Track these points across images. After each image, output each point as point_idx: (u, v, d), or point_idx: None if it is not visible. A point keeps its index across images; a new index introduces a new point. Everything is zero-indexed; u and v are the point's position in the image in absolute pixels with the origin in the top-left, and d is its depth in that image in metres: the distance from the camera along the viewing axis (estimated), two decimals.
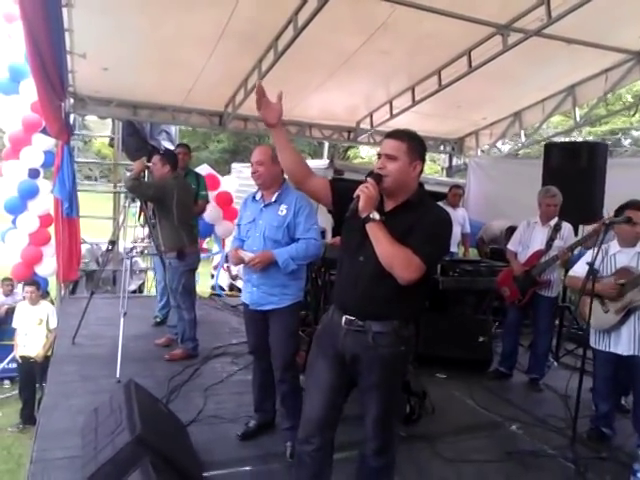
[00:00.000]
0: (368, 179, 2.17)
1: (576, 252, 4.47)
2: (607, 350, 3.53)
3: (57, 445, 3.09)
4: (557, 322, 5.23)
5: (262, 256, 3.01)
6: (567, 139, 15.93)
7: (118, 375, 4.01)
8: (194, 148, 27.98)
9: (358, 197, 2.14)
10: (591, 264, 3.34)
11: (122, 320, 4.26)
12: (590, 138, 16.98)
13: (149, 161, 4.76)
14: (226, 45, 5.17)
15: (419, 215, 2.20)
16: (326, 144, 11.18)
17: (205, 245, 8.66)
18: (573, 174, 4.40)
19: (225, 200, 7.64)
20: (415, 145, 2.24)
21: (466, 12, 4.74)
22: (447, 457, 3.24)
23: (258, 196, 3.19)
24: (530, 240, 4.62)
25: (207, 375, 4.36)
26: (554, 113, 7.19)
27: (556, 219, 4.55)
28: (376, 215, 2.14)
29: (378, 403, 2.28)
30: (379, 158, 2.25)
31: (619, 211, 3.60)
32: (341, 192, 2.35)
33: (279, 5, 4.55)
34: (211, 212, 7.15)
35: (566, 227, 4.53)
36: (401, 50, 5.50)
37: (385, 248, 2.12)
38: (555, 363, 5.09)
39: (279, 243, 3.05)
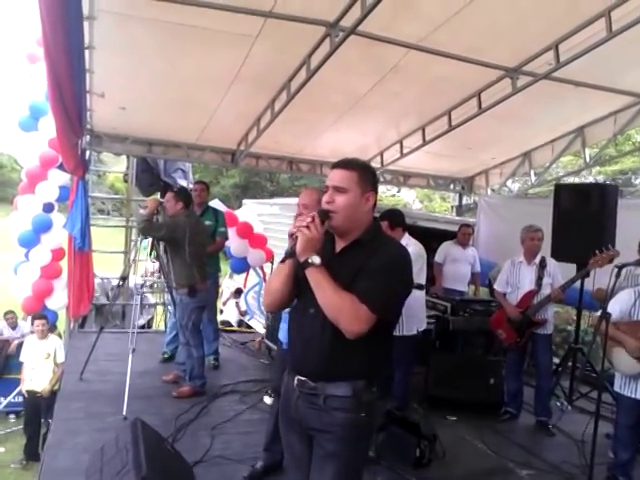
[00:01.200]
0: (302, 220, 1.90)
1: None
2: (633, 397, 3.46)
3: None
4: (570, 364, 5.14)
5: None
6: (577, 179, 16.05)
7: (125, 412, 3.99)
8: None
9: (295, 237, 1.89)
10: (604, 309, 3.30)
11: (130, 356, 4.26)
12: (600, 178, 17.06)
13: (162, 197, 4.83)
14: (240, 86, 5.29)
15: (372, 253, 1.93)
16: None
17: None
18: (584, 216, 4.41)
19: (246, 230, 7.55)
20: (367, 174, 2.02)
21: (477, 56, 4.85)
22: None
23: None
24: (519, 280, 4.65)
25: (215, 413, 4.32)
26: (564, 154, 7.24)
27: (540, 256, 4.60)
28: (316, 259, 1.87)
29: (330, 479, 1.95)
30: (326, 191, 1.99)
31: None
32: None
33: (293, 48, 4.66)
34: (237, 247, 7.14)
35: (551, 263, 4.60)
36: (412, 92, 5.61)
37: (328, 297, 1.86)
38: (569, 407, 4.99)
39: None
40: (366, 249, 1.96)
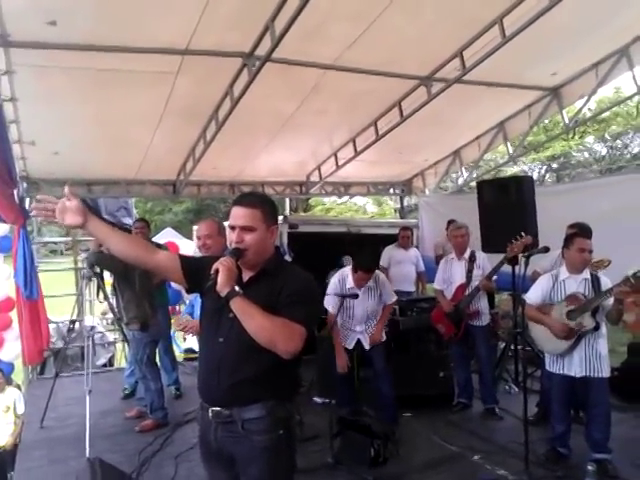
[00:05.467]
0: (223, 259, 1.96)
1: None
2: (561, 373, 3.72)
3: None
4: (512, 348, 5.43)
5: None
6: (518, 169, 16.75)
7: (88, 454, 4.01)
8: (158, 211, 28.20)
9: (216, 271, 1.93)
10: (513, 294, 3.56)
11: (87, 398, 4.29)
12: (536, 164, 17.82)
13: None
14: (170, 120, 5.43)
15: (282, 280, 2.03)
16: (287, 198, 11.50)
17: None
18: (505, 208, 4.70)
19: None
20: (269, 209, 2.10)
21: (390, 69, 5.17)
22: None
23: None
24: (451, 276, 4.94)
25: (178, 442, 4.40)
26: (489, 148, 7.65)
27: (469, 250, 4.90)
28: (239, 290, 1.93)
29: None
30: (232, 230, 2.05)
31: (568, 238, 3.84)
32: (193, 267, 2.14)
33: (214, 80, 4.84)
34: None
35: (480, 256, 4.87)
36: (336, 107, 5.87)
37: (259, 322, 1.91)
38: (516, 388, 5.28)
39: None
40: (274, 279, 2.04)
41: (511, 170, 16.28)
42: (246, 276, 2.09)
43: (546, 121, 14.59)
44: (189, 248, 8.86)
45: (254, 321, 1.91)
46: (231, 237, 2.05)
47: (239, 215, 2.04)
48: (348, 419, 4.01)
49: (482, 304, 4.83)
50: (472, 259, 4.83)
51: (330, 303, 4.41)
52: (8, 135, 5.09)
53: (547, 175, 18.80)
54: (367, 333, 4.52)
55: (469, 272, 4.80)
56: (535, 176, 17.49)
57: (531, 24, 4.18)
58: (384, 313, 4.59)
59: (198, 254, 3.53)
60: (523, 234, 4.04)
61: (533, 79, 6.03)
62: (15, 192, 5.81)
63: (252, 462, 2.00)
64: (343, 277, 4.51)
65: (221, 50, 4.41)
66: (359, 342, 4.52)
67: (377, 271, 4.60)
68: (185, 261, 2.15)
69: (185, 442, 4.38)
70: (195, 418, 4.64)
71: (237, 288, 1.93)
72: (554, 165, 18.44)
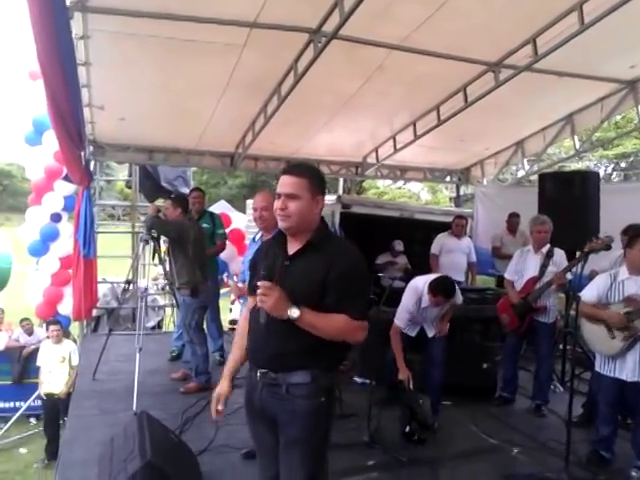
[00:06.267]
0: (260, 285, 1.98)
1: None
2: (612, 375, 3.59)
3: (77, 475, 3.32)
4: (561, 347, 5.30)
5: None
6: (580, 165, 16.09)
7: (135, 408, 4.19)
8: (214, 184, 28.79)
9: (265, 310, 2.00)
10: (567, 292, 3.45)
11: (137, 356, 4.47)
12: (603, 162, 17.05)
13: None
14: (233, 92, 5.50)
15: (330, 257, 2.04)
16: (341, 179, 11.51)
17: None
18: (567, 203, 4.55)
19: (237, 237, 7.90)
20: (316, 179, 2.12)
21: (458, 53, 5.03)
22: None
23: (257, 236, 3.45)
24: (524, 268, 4.76)
25: None
26: (555, 141, 7.38)
27: (548, 246, 4.70)
28: (294, 312, 1.96)
29: (298, 463, 2.09)
30: (278, 198, 2.08)
31: (631, 237, 3.69)
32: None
33: (280, 54, 4.86)
34: (225, 250, 7.41)
35: (558, 253, 4.67)
36: (399, 89, 5.79)
37: (325, 331, 2.01)
38: (561, 388, 5.15)
39: None
40: (320, 252, 2.07)
41: (575, 166, 15.64)
42: (292, 249, 2.13)
43: (618, 117, 13.94)
44: (241, 221, 9.02)
45: (321, 331, 2.01)
46: (276, 204, 2.08)
47: (285, 183, 2.07)
48: (391, 394, 4.01)
49: (551, 300, 4.67)
50: (549, 255, 4.64)
51: (402, 321, 4.31)
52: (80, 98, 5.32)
53: (614, 174, 17.98)
54: (433, 325, 4.46)
55: (543, 267, 4.62)
56: (601, 174, 16.77)
57: (613, 12, 3.98)
58: (451, 308, 4.49)
59: (252, 226, 3.60)
60: (607, 234, 3.85)
61: (609, 71, 5.74)
62: (82, 154, 6.05)
63: (292, 424, 2.08)
64: (419, 296, 4.31)
65: (288, 25, 4.41)
66: (422, 329, 4.48)
67: None
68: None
69: (227, 407, 4.50)
70: (236, 385, 4.81)
71: (292, 312, 1.96)
72: (622, 164, 17.60)
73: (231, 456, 3.64)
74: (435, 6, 4.22)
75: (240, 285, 3.42)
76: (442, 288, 4.17)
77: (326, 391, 2.11)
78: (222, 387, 2.32)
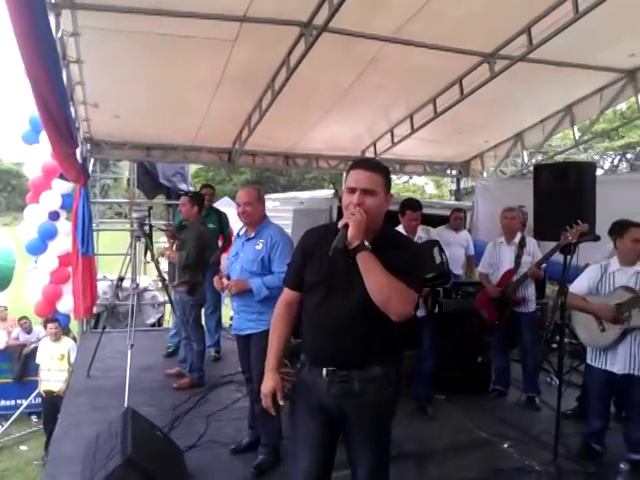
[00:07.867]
0: (352, 211, 1.95)
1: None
2: (603, 368, 3.55)
3: (64, 471, 3.32)
4: (558, 339, 5.24)
5: (236, 282, 3.34)
6: (585, 156, 15.92)
7: (126, 405, 4.19)
8: (219, 181, 28.83)
9: (346, 226, 1.92)
10: (561, 282, 3.41)
11: (129, 352, 4.48)
12: (609, 153, 16.87)
13: (169, 199, 5.06)
14: (227, 88, 5.46)
15: (394, 249, 2.02)
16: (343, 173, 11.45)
17: None
18: (562, 194, 4.47)
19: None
20: (389, 177, 2.08)
21: (452, 44, 4.96)
22: (434, 476, 3.33)
23: (242, 231, 3.45)
24: (499, 260, 4.78)
25: (211, 402, 4.55)
26: (554, 132, 7.29)
27: (519, 235, 4.71)
28: (367, 245, 1.92)
29: (372, 453, 2.11)
30: (351, 192, 2.00)
31: (616, 228, 3.66)
32: (300, 275, 2.18)
33: (271, 48, 4.82)
34: None
35: (531, 242, 4.69)
36: (394, 82, 5.72)
37: (380, 279, 1.91)
38: (557, 380, 5.08)
39: (254, 275, 3.30)
40: (387, 246, 2.01)
41: (579, 157, 15.47)
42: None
43: (624, 108, 13.73)
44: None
45: (377, 277, 1.91)
46: (349, 199, 2.00)
47: (361, 178, 2.00)
48: None
49: (529, 291, 4.68)
50: (522, 244, 4.66)
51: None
52: (73, 95, 5.31)
53: (620, 165, 17.78)
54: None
55: (518, 258, 4.63)
56: (607, 166, 16.59)
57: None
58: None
59: (238, 221, 3.59)
60: (579, 221, 3.83)
61: (607, 60, 5.63)
62: (78, 152, 6.04)
63: (363, 419, 2.08)
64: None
65: (278, 18, 4.37)
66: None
67: None
68: (298, 282, 2.19)
69: (218, 403, 4.52)
70: (229, 381, 4.79)
71: (366, 243, 1.92)
72: (629, 155, 17.39)
73: (218, 451, 3.65)
74: None
75: (224, 280, 3.41)
76: (406, 203, 4.32)
77: (394, 381, 2.11)
78: (274, 380, 2.17)
